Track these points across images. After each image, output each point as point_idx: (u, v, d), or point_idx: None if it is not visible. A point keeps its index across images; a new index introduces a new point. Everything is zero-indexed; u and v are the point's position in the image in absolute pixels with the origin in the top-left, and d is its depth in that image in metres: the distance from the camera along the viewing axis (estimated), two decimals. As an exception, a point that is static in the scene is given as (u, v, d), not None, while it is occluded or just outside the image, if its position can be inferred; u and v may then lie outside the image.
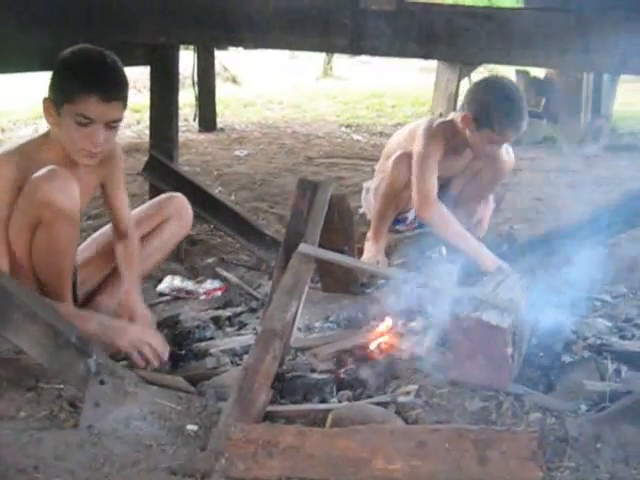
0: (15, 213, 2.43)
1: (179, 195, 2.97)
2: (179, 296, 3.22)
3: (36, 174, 2.38)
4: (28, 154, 2.50)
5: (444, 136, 3.45)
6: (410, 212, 3.93)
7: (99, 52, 2.46)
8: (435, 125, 3.49)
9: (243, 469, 1.78)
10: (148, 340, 2.45)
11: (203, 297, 3.23)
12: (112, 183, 2.78)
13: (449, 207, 3.38)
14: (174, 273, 3.37)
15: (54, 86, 2.45)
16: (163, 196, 2.99)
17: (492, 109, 3.22)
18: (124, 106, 2.49)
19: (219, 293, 3.28)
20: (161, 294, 3.23)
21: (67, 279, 2.60)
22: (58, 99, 2.42)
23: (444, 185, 3.61)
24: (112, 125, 2.47)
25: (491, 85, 3.37)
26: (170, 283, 3.26)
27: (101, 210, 3.88)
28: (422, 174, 3.36)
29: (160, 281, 3.31)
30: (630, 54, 1.88)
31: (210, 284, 3.31)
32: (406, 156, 3.50)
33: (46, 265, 2.51)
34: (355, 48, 2.21)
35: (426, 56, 2.19)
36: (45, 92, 2.47)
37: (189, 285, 3.27)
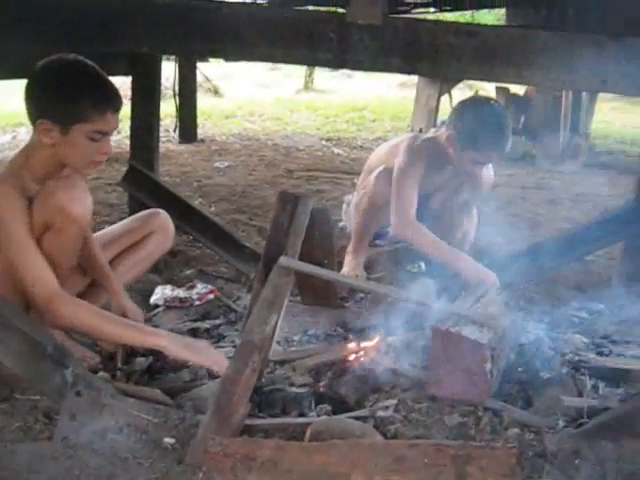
0: None
1: (162, 212, 3.00)
2: (173, 305, 3.19)
3: (55, 181, 2.40)
4: (18, 176, 2.46)
5: (426, 154, 3.46)
6: (391, 227, 3.93)
7: (85, 63, 2.43)
8: (418, 143, 3.50)
9: (221, 483, 1.76)
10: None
11: (197, 303, 3.21)
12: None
13: (429, 222, 3.39)
14: (153, 285, 3.34)
15: (54, 107, 2.37)
16: (147, 211, 3.02)
17: (477, 131, 3.23)
18: None
19: (212, 296, 3.26)
20: (156, 305, 3.20)
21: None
22: (66, 121, 2.36)
23: (424, 200, 3.62)
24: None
25: (477, 106, 3.38)
26: (162, 293, 3.23)
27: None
28: (401, 192, 3.37)
29: (150, 294, 3.27)
30: (612, 73, 1.90)
31: (202, 289, 3.29)
32: (388, 172, 3.50)
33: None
34: (339, 62, 2.22)
35: (410, 71, 2.19)
36: (30, 112, 2.40)
37: (181, 293, 3.24)
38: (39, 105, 2.40)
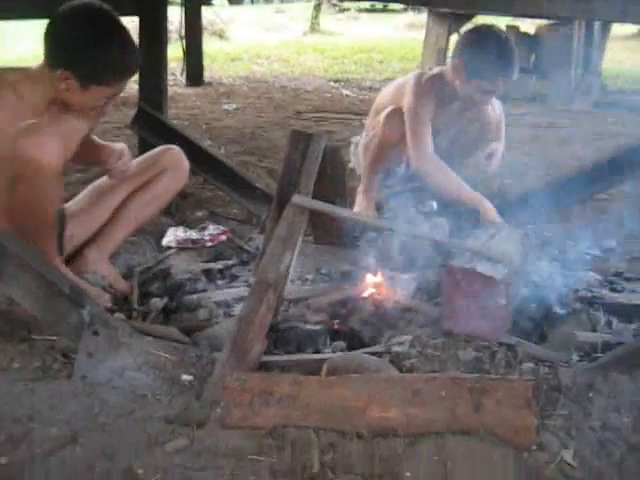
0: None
1: (175, 147, 2.94)
2: (185, 247, 3.18)
3: (18, 128, 2.32)
4: (17, 89, 2.43)
5: (434, 90, 3.41)
6: (401, 167, 3.91)
7: (115, 20, 2.42)
8: (424, 80, 3.45)
9: (239, 417, 1.78)
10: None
11: (210, 244, 3.21)
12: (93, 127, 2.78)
13: None
14: (165, 227, 3.34)
15: (80, 65, 2.36)
16: (159, 148, 2.96)
17: (483, 57, 3.18)
18: None
19: (224, 237, 3.26)
20: (168, 247, 3.20)
21: (51, 238, 2.55)
22: (88, 79, 2.37)
23: (433, 137, 3.58)
24: None
25: (482, 34, 3.33)
26: (174, 235, 3.23)
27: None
28: (416, 129, 3.34)
29: (162, 236, 3.27)
30: (631, 2, 1.86)
31: (214, 230, 3.29)
32: (397, 112, 3.46)
33: (28, 223, 2.46)
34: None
35: (426, 3, 2.15)
36: (52, 58, 2.38)
37: (193, 235, 3.24)
38: (63, 55, 2.37)
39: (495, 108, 3.61)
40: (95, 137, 2.82)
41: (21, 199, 2.38)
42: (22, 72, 2.52)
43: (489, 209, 3.13)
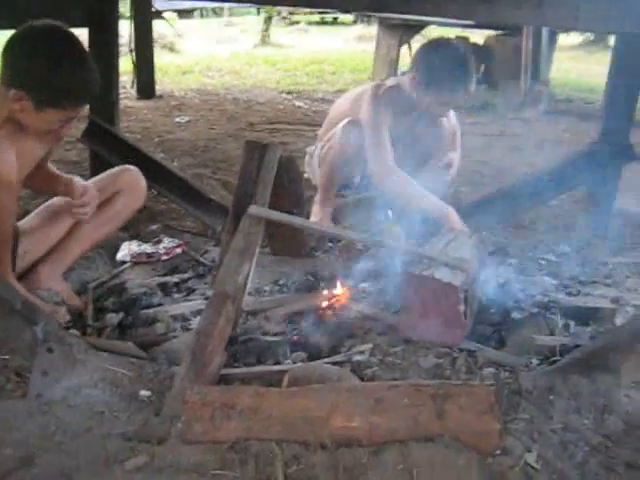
0: None
1: (133, 168, 2.92)
2: (140, 261, 3.14)
3: None
4: None
5: (392, 101, 3.42)
6: (357, 177, 3.91)
7: (75, 43, 2.37)
8: (382, 91, 3.46)
9: (201, 432, 1.75)
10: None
11: (165, 257, 3.17)
12: (50, 151, 2.73)
13: None
14: (119, 241, 3.29)
15: (35, 87, 2.31)
16: (117, 168, 2.93)
17: (440, 70, 3.20)
18: None
19: (179, 250, 3.23)
20: (122, 261, 3.15)
21: (5, 252, 2.50)
22: (42, 102, 2.32)
23: None
24: None
25: (440, 47, 3.34)
26: (128, 249, 3.18)
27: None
28: (376, 141, 3.34)
29: (116, 250, 3.22)
30: (583, 9, 1.88)
31: (169, 243, 3.25)
32: (354, 123, 3.47)
33: None
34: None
35: (379, 10, 2.15)
36: (4, 75, 2.34)
37: (148, 248, 3.19)
38: (19, 76, 2.32)
39: (450, 118, 3.64)
40: (52, 166, 2.78)
41: None
42: None
43: (454, 217, 3.14)
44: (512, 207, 3.62)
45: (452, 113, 3.69)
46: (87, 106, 2.47)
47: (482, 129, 6.47)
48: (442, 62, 3.20)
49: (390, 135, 3.45)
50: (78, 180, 2.76)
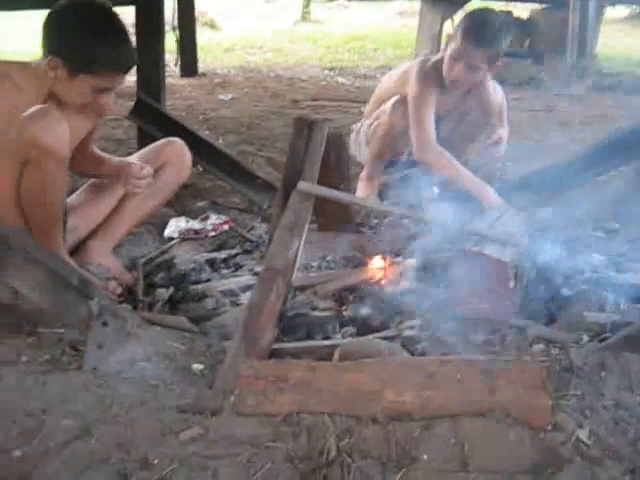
0: (1, 153, 2.38)
1: (177, 140, 2.93)
2: (188, 237, 3.17)
3: (25, 113, 2.32)
4: (15, 80, 2.44)
5: (438, 76, 3.41)
6: (403, 155, 3.90)
7: (112, 14, 2.42)
8: (428, 66, 3.45)
9: (253, 405, 1.77)
10: None
11: (212, 234, 3.20)
12: (95, 128, 2.77)
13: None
14: (167, 217, 3.33)
15: (71, 54, 2.36)
16: (161, 141, 2.95)
17: (467, 30, 3.24)
18: None
19: (226, 227, 3.26)
20: (170, 238, 3.18)
21: (58, 227, 2.56)
22: (76, 68, 2.37)
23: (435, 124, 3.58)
24: None
25: (474, 11, 3.39)
26: (176, 226, 3.22)
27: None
28: (419, 118, 3.35)
29: (164, 227, 3.26)
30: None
31: (216, 219, 3.28)
32: (403, 101, 3.47)
33: (35, 208, 2.47)
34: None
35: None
36: (44, 44, 2.40)
37: (195, 225, 3.23)
38: (55, 42, 2.39)
39: (497, 92, 3.61)
40: (97, 149, 2.84)
41: (29, 185, 2.39)
42: (21, 65, 2.51)
43: (493, 197, 3.13)
44: (560, 184, 3.57)
45: (498, 88, 3.66)
46: (123, 79, 2.46)
47: (528, 105, 6.39)
48: (469, 23, 3.26)
49: (436, 111, 3.43)
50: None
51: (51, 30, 2.40)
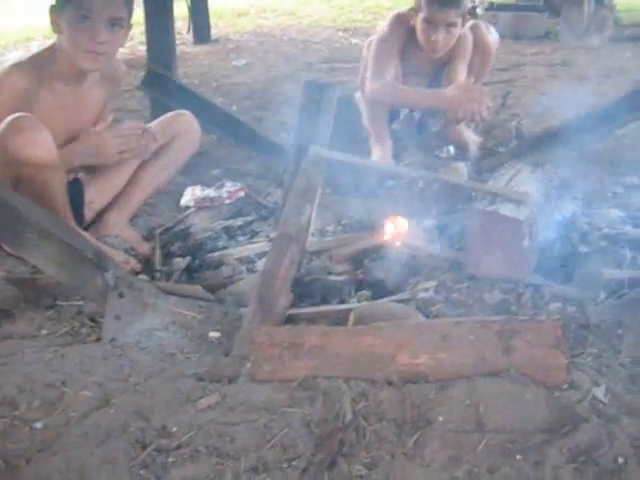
0: None
1: (186, 112, 2.98)
2: (204, 205, 3.18)
3: (2, 126, 2.34)
4: (38, 65, 2.52)
5: (403, 24, 3.42)
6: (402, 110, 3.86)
7: None
8: (394, 15, 3.48)
9: (269, 371, 1.79)
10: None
11: (228, 201, 3.20)
12: (111, 102, 2.79)
13: None
14: (182, 186, 3.33)
15: None
16: (171, 114, 2.99)
17: None
18: (125, 4, 2.50)
19: (242, 193, 3.26)
20: (187, 207, 3.19)
21: (63, 212, 2.57)
22: (60, 3, 2.44)
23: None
24: (114, 23, 2.48)
25: None
26: (192, 194, 3.22)
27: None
28: (376, 56, 3.41)
29: (180, 196, 3.27)
30: None
31: (231, 187, 3.28)
32: None
33: None
34: None
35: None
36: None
37: (211, 193, 3.23)
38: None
39: (492, 31, 3.61)
40: None
41: (27, 196, 2.37)
42: (49, 47, 2.61)
43: (450, 96, 3.21)
44: (577, 139, 3.53)
45: (492, 27, 3.64)
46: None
47: (545, 59, 6.29)
48: None
49: (406, 63, 3.44)
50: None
51: None
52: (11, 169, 2.37)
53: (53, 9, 2.49)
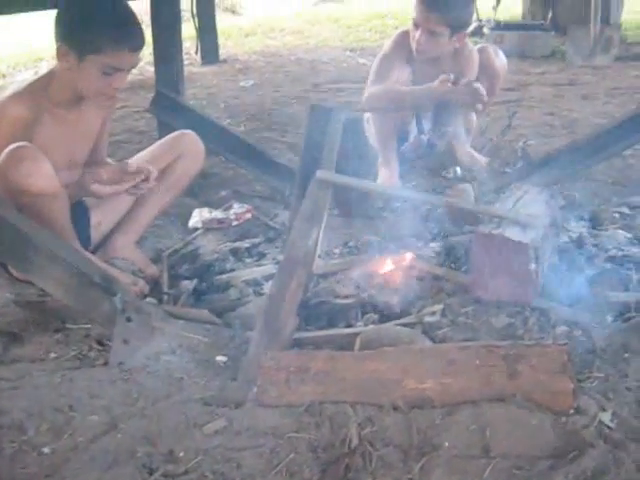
0: None
1: (189, 132, 2.97)
2: (211, 227, 3.19)
3: (2, 157, 2.35)
4: (37, 93, 2.51)
5: (407, 42, 3.47)
6: (410, 125, 3.88)
7: (121, 3, 2.49)
8: (400, 32, 3.57)
9: (276, 396, 1.79)
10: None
11: (235, 223, 3.22)
12: (106, 123, 2.81)
13: None
14: (190, 208, 3.35)
15: (74, 35, 2.42)
16: (174, 134, 2.97)
17: None
18: None
19: (249, 215, 3.27)
20: (194, 228, 3.21)
21: (67, 237, 2.57)
22: (81, 49, 2.40)
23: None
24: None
25: None
26: (200, 216, 3.24)
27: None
28: (377, 71, 3.50)
29: (188, 218, 3.28)
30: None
31: (239, 208, 3.30)
32: None
33: None
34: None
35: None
36: (54, 35, 2.46)
37: (219, 214, 3.24)
38: (60, 28, 2.45)
39: (499, 55, 3.64)
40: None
41: (35, 221, 2.38)
42: (47, 74, 2.61)
43: (439, 88, 3.29)
44: (584, 159, 3.53)
45: (499, 51, 3.67)
46: (133, 59, 2.48)
47: (551, 78, 6.31)
48: None
49: (416, 80, 3.48)
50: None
51: (57, 17, 2.47)
52: (13, 198, 2.38)
53: (65, 48, 2.43)
